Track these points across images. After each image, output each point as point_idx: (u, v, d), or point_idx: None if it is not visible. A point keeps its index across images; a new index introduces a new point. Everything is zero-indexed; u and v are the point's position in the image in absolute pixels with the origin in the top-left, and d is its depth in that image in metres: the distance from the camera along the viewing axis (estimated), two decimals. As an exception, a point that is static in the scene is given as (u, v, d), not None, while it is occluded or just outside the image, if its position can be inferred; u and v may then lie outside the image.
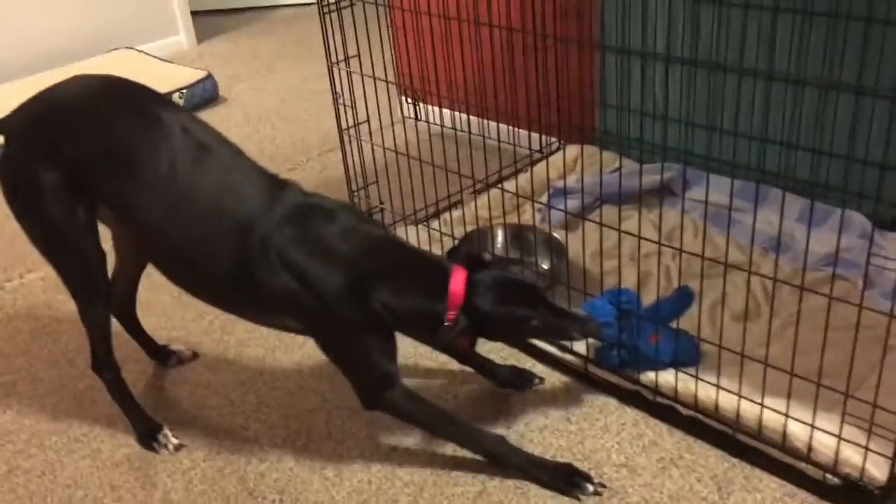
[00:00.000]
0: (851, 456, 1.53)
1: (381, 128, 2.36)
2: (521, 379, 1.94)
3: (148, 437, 1.82)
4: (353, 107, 2.24)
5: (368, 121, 2.31)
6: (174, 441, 1.80)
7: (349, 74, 2.20)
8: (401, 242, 1.72)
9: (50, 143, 1.63)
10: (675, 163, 2.65)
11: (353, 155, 2.33)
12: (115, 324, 1.83)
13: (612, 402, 1.87)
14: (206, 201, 1.61)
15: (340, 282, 1.57)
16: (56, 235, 1.67)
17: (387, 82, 2.25)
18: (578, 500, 1.63)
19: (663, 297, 1.88)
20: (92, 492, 1.74)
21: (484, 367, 1.94)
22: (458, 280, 1.61)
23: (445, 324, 1.60)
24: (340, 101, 2.23)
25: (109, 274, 1.83)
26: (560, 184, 2.60)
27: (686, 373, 1.75)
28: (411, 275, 1.63)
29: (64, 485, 1.76)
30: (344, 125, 2.28)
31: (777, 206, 2.28)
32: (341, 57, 2.18)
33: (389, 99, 2.41)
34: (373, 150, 2.32)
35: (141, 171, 1.61)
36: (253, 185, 1.64)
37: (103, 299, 1.76)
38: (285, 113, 3.66)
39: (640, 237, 1.76)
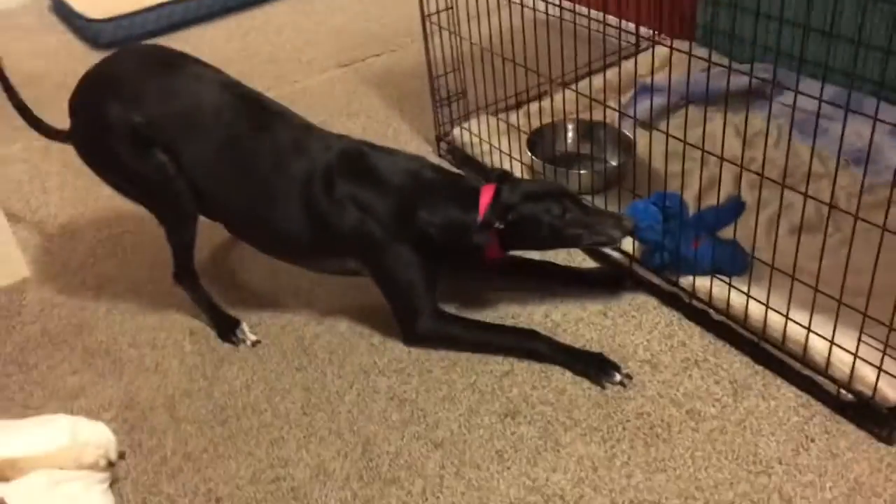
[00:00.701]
0: (867, 374, 1.53)
1: (477, 14, 2.38)
2: (612, 278, 1.98)
3: (227, 333, 1.97)
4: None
5: (455, 8, 2.34)
6: (252, 337, 1.95)
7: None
8: (440, 169, 1.90)
9: (105, 109, 1.79)
10: (771, 63, 2.54)
11: (433, 42, 2.38)
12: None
13: (652, 302, 1.92)
14: (269, 158, 1.79)
15: (392, 206, 1.77)
16: (138, 178, 1.84)
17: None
18: (603, 386, 1.72)
19: (713, 205, 1.87)
20: (173, 334, 2.00)
21: (570, 273, 2.01)
22: (487, 193, 1.78)
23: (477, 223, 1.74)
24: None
25: None
26: (647, 81, 2.56)
27: (721, 279, 1.77)
28: (447, 194, 1.81)
29: (150, 327, 2.03)
30: (427, 11, 2.32)
31: (869, 117, 2.18)
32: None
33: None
34: (458, 39, 2.36)
35: (202, 134, 1.80)
36: (310, 138, 1.83)
37: (192, 222, 1.90)
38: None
39: (684, 142, 1.75)
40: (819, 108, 1.50)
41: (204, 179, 1.81)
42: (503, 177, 1.85)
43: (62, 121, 3.03)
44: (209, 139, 1.79)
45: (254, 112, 1.84)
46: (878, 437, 1.55)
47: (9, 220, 2.22)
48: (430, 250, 1.80)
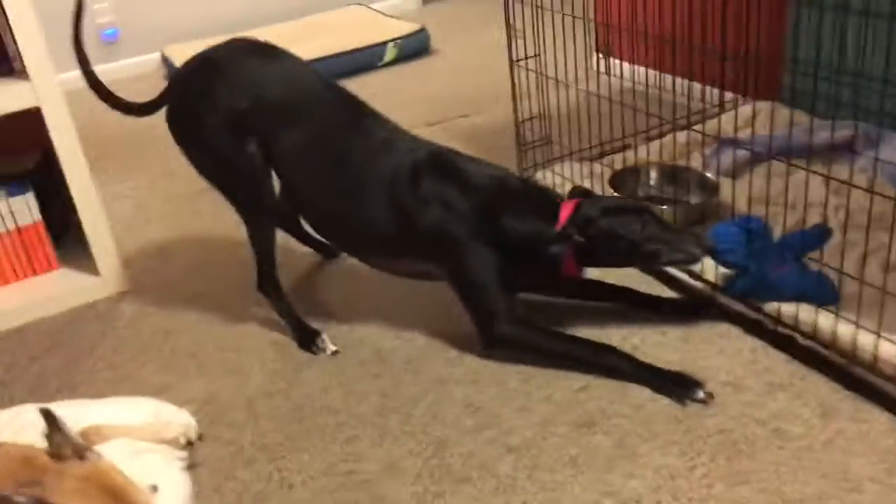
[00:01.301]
0: (966, 393, 1.46)
1: (566, 81, 2.49)
2: (695, 307, 1.95)
3: (308, 342, 2.01)
4: (524, 39, 2.38)
5: (542, 55, 2.44)
6: (332, 347, 1.98)
7: (521, 5, 2.34)
8: (524, 179, 1.96)
9: (209, 90, 1.88)
10: (855, 120, 2.54)
11: (519, 88, 2.47)
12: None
13: (735, 330, 1.88)
14: (360, 154, 1.87)
15: (474, 205, 1.81)
16: (224, 167, 1.91)
17: (572, 16, 2.37)
18: (683, 404, 1.68)
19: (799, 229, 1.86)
20: (256, 342, 2.06)
21: (652, 300, 1.99)
22: (568, 207, 1.81)
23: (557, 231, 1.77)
24: (514, 32, 2.38)
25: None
26: (731, 135, 2.58)
27: (807, 302, 1.73)
28: (531, 203, 1.85)
29: (235, 336, 2.09)
30: (515, 56, 2.43)
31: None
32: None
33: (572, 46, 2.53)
34: (545, 84, 2.45)
35: (298, 124, 1.87)
36: (400, 139, 1.91)
37: (271, 220, 1.98)
38: (486, 67, 3.87)
39: (789, 163, 1.75)
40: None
41: (294, 169, 1.89)
42: (585, 193, 1.88)
43: (168, 167, 3.22)
44: (305, 130, 1.87)
45: (349, 109, 1.92)
46: (980, 462, 1.46)
47: (115, 243, 2.35)
48: (508, 255, 1.82)
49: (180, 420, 1.64)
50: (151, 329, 2.17)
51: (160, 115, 2.02)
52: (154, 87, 2.04)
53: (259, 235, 1.98)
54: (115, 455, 1.50)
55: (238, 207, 1.98)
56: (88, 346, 2.12)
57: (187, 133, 1.95)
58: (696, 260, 1.80)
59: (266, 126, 1.87)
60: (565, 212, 1.80)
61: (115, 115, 2.17)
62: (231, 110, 1.86)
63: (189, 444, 1.64)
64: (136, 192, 2.98)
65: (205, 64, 1.94)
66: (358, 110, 1.93)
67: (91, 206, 2.26)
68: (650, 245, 1.77)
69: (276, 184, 1.98)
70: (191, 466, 1.65)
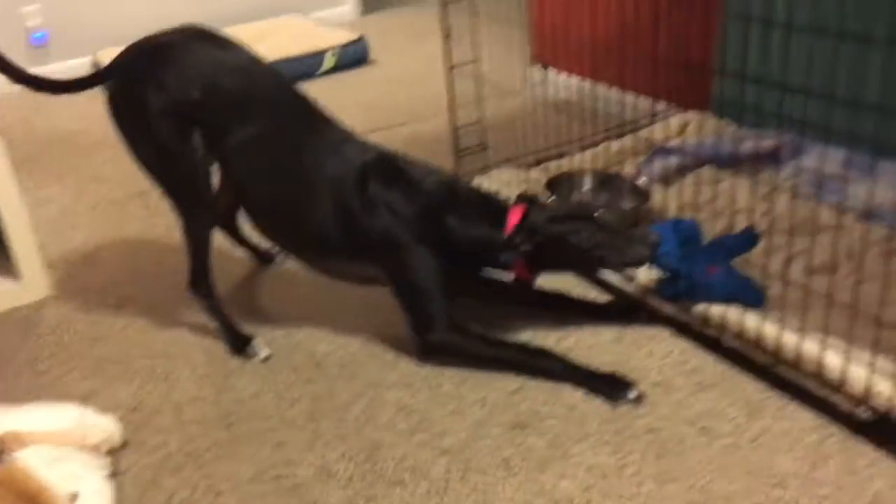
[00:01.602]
0: (883, 389, 1.51)
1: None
2: (627, 313, 1.96)
3: (240, 347, 1.96)
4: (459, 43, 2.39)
5: (480, 62, 2.46)
6: (264, 352, 1.94)
7: (458, 11, 2.35)
8: (470, 185, 1.96)
9: (158, 74, 1.80)
10: (783, 131, 2.61)
11: (456, 93, 2.48)
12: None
13: (666, 333, 1.91)
14: (309, 154, 1.84)
15: (420, 209, 1.81)
16: (164, 156, 1.85)
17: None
18: (616, 404, 1.70)
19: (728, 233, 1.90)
20: (186, 349, 2.01)
21: (586, 306, 2.00)
22: (516, 213, 1.81)
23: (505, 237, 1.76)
24: (451, 38, 2.39)
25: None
26: (664, 144, 2.64)
27: (735, 304, 1.77)
28: (477, 209, 1.85)
29: (163, 341, 2.04)
30: (452, 62, 2.43)
31: (882, 178, 2.23)
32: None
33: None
34: (481, 91, 2.46)
35: (250, 119, 1.83)
36: (349, 142, 1.89)
37: (208, 215, 1.93)
38: (425, 76, 3.88)
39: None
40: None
41: (243, 165, 1.86)
42: (531, 199, 1.87)
43: (99, 172, 3.15)
44: (256, 125, 1.83)
45: (302, 108, 1.89)
46: (897, 456, 1.51)
47: (38, 248, 2.28)
48: (452, 261, 1.82)
49: (103, 426, 1.59)
50: (76, 335, 2.10)
51: (93, 120, 1.95)
52: (85, 91, 1.98)
53: (194, 231, 1.92)
54: (35, 461, 1.45)
55: (174, 201, 1.91)
56: (9, 352, 2.05)
57: (129, 117, 1.86)
58: (644, 261, 1.80)
59: (217, 118, 1.83)
60: (513, 218, 1.80)
61: (47, 119, 2.12)
62: (181, 98, 1.80)
63: (113, 452, 1.59)
64: (63, 197, 2.90)
65: (154, 47, 1.86)
66: (309, 109, 1.91)
67: (13, 210, 2.19)
68: (599, 251, 1.78)
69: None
70: (114, 474, 1.60)
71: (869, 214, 2.25)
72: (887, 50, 2.24)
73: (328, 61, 4.02)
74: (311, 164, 1.84)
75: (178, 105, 1.80)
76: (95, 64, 4.05)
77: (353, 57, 4.09)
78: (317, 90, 3.84)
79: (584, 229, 1.76)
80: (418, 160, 1.93)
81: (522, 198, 1.90)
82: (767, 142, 2.46)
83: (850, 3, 2.26)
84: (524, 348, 1.83)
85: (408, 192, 1.82)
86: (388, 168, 1.85)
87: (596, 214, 1.79)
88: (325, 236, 1.85)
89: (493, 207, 1.85)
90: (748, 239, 1.86)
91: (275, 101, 1.87)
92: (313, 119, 1.90)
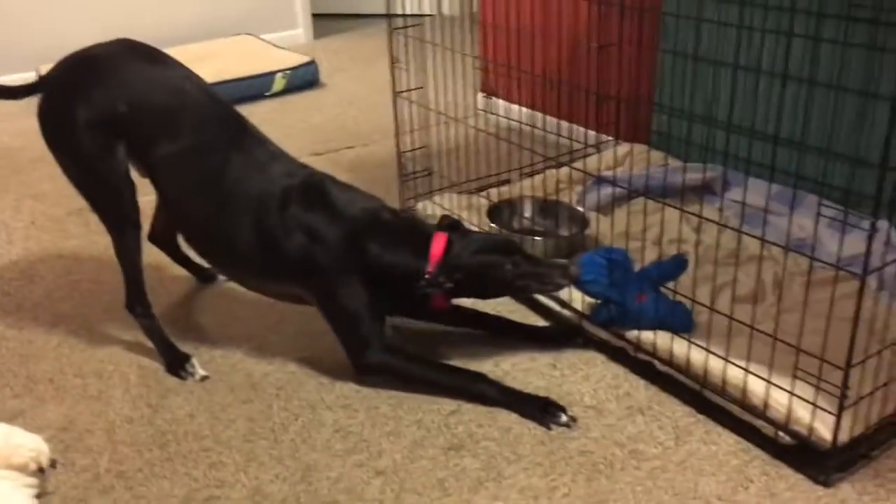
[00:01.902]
0: (803, 416, 1.57)
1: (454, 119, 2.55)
2: (564, 337, 2.00)
3: (176, 367, 1.95)
4: (407, 70, 2.43)
5: (426, 88, 2.50)
6: (200, 372, 1.93)
7: (406, 38, 2.40)
8: (395, 211, 1.96)
9: (86, 87, 1.82)
10: (719, 164, 2.70)
11: (402, 118, 2.52)
12: (146, 263, 1.99)
13: (600, 358, 1.95)
14: (235, 173, 1.84)
15: (342, 235, 1.81)
16: (92, 169, 1.85)
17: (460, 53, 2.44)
18: (549, 428, 1.73)
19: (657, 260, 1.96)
20: (120, 367, 1.98)
21: (523, 329, 2.04)
22: (438, 241, 1.84)
23: (425, 276, 1.79)
24: (398, 65, 2.43)
25: (152, 207, 2.07)
26: (603, 174, 2.70)
27: (664, 330, 1.82)
28: (400, 235, 1.86)
29: (98, 360, 2.01)
30: (398, 87, 2.47)
31: (809, 211, 2.32)
32: (402, 24, 2.39)
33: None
34: (426, 117, 2.50)
35: (177, 135, 1.83)
36: (277, 162, 1.89)
37: (134, 231, 1.91)
38: (373, 100, 3.91)
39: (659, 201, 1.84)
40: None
41: (169, 180, 1.85)
42: (454, 226, 1.90)
43: (38, 189, 3.10)
44: (182, 141, 1.83)
45: (231, 125, 1.89)
46: (816, 480, 1.56)
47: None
48: (376, 286, 1.83)
49: (30, 445, 1.55)
50: (7, 354, 2.05)
51: (32, 136, 1.93)
52: (25, 106, 1.96)
53: (123, 247, 1.91)
54: (-44, 482, 1.41)
55: (102, 216, 1.92)
56: (-64, 370, 2.00)
57: (56, 130, 1.86)
58: (560, 289, 1.89)
59: (142, 133, 1.82)
60: (436, 247, 1.82)
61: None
62: (106, 112, 1.80)
63: (41, 471, 1.55)
64: (-1, 213, 2.85)
65: (85, 60, 1.87)
66: (240, 127, 1.91)
67: (-54, 223, 2.14)
68: (520, 282, 1.83)
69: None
70: (41, 494, 1.57)
71: (792, 246, 2.34)
72: (803, 88, 2.34)
73: (278, 83, 4.03)
74: (237, 181, 1.83)
75: (104, 119, 1.80)
76: (39, 77, 3.99)
77: (304, 79, 4.10)
78: (266, 111, 3.87)
79: (505, 262, 1.80)
80: (347, 184, 1.94)
81: (445, 224, 1.91)
82: (699, 174, 2.54)
83: (769, 42, 2.36)
84: (459, 371, 1.85)
85: (328, 217, 1.81)
86: (311, 191, 1.85)
87: (534, 239, 1.83)
88: (248, 256, 1.85)
89: (416, 234, 1.86)
90: (677, 265, 1.91)
91: (204, 118, 1.86)
92: (243, 137, 1.89)
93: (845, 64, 2.24)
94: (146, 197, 1.97)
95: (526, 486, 1.58)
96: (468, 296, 1.92)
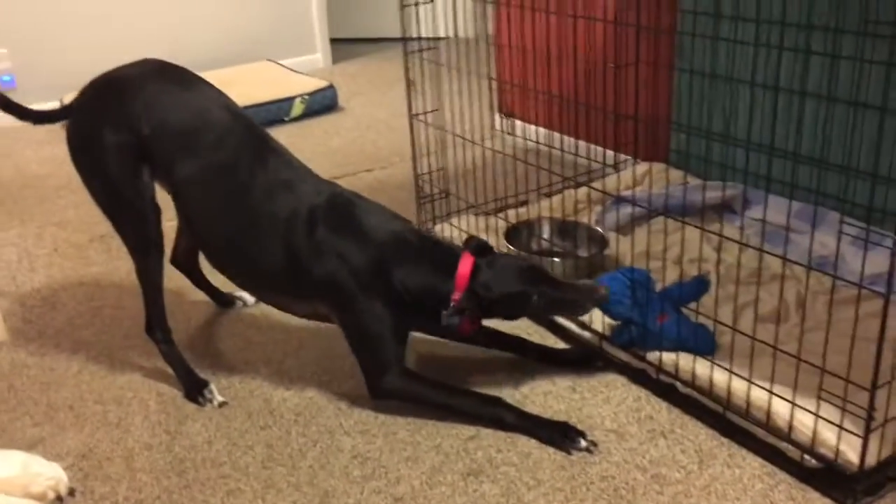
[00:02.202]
0: (829, 438, 1.53)
1: (471, 140, 2.55)
2: (584, 359, 1.99)
3: (194, 393, 1.95)
4: (423, 92, 2.44)
5: (441, 110, 2.50)
6: (219, 398, 1.93)
7: (422, 61, 2.40)
8: (421, 232, 1.94)
9: (111, 110, 1.84)
10: (739, 182, 2.68)
11: (419, 141, 2.52)
12: (166, 287, 2.00)
13: (621, 380, 1.93)
14: (260, 191, 1.83)
15: (369, 260, 1.80)
16: (117, 191, 1.87)
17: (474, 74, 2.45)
18: (569, 453, 1.70)
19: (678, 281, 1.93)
20: (140, 394, 1.99)
21: (543, 351, 2.02)
22: (465, 265, 1.81)
23: (451, 304, 1.77)
24: (414, 87, 2.44)
25: (174, 231, 2.08)
26: (623, 194, 2.68)
27: (686, 351, 1.79)
28: (426, 259, 1.83)
29: (118, 387, 2.02)
30: (414, 110, 2.48)
31: (831, 229, 2.29)
32: (417, 47, 2.39)
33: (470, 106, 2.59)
34: (443, 139, 2.51)
35: (201, 155, 1.84)
36: (303, 181, 1.88)
37: (157, 254, 1.92)
38: (392, 123, 3.93)
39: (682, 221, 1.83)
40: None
41: (192, 200, 1.86)
42: (482, 249, 1.87)
43: (62, 216, 3.13)
44: (206, 161, 1.83)
45: (256, 144, 1.87)
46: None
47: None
48: (400, 309, 1.82)
49: (49, 474, 1.56)
50: (28, 381, 2.07)
51: (58, 164, 1.95)
52: (53, 134, 1.99)
53: (146, 270, 1.92)
54: (-25, 511, 1.42)
55: (125, 240, 1.93)
56: (-42, 398, 2.01)
57: (82, 153, 1.89)
58: (588, 311, 1.87)
59: (166, 155, 1.83)
60: (462, 269, 1.80)
61: (12, 163, 2.11)
62: (131, 135, 1.81)
63: (59, 500, 1.56)
64: (22, 240, 2.87)
65: (110, 83, 1.89)
66: (265, 146, 1.89)
67: (-31, 253, 2.17)
68: (546, 309, 1.83)
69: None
70: (60, 523, 1.57)
71: (815, 264, 2.31)
72: (822, 105, 2.31)
73: (297, 107, 4.06)
74: (262, 201, 1.83)
75: (128, 141, 1.82)
76: (62, 106, 4.05)
77: (322, 104, 4.13)
78: (285, 136, 3.88)
79: (532, 294, 1.78)
80: (374, 203, 1.92)
81: (472, 244, 1.89)
82: (718, 192, 2.51)
83: (787, 60, 2.34)
84: (477, 396, 1.83)
85: (356, 240, 1.80)
86: (338, 212, 1.84)
87: (552, 260, 1.82)
88: (274, 275, 1.85)
89: (442, 257, 1.83)
90: (697, 285, 1.89)
91: (228, 137, 1.85)
92: (268, 155, 1.87)
93: (864, 80, 2.21)
94: (169, 223, 1.99)
95: (546, 513, 1.56)
96: (492, 318, 1.90)
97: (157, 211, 1.90)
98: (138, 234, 1.91)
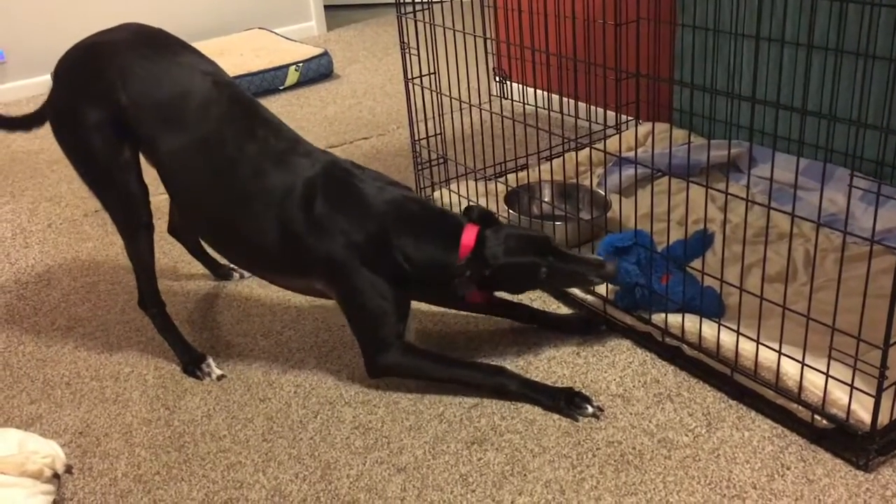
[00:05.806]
0: (840, 397, 1.50)
1: (470, 105, 2.49)
2: (587, 325, 1.95)
3: (192, 367, 1.91)
4: (418, 55, 2.37)
5: (437, 73, 2.44)
6: (217, 371, 1.90)
7: (416, 23, 2.33)
8: (423, 201, 1.86)
9: (87, 82, 1.76)
10: (744, 140, 2.62)
11: (415, 106, 2.46)
12: (162, 261, 1.98)
13: (626, 343, 1.89)
14: (250, 165, 1.74)
15: (370, 234, 1.72)
16: (100, 169, 1.80)
17: (473, 35, 2.38)
18: (575, 419, 1.67)
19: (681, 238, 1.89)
20: (137, 369, 1.96)
21: (546, 318, 1.98)
22: (469, 234, 1.74)
23: (458, 277, 1.70)
24: (407, 50, 2.37)
25: (168, 202, 2.03)
26: (625, 155, 2.63)
27: (693, 313, 1.75)
28: (429, 229, 1.76)
29: (115, 362, 1.99)
30: (410, 74, 2.41)
31: (840, 185, 2.24)
32: (412, 9, 2.33)
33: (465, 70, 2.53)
34: (440, 103, 2.45)
35: (185, 127, 1.74)
36: (295, 151, 1.78)
37: (146, 233, 1.86)
38: (389, 90, 3.86)
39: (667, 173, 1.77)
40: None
41: (179, 175, 1.79)
42: (486, 218, 1.81)
43: (54, 191, 3.08)
44: (191, 134, 1.75)
45: (243, 114, 1.79)
46: (856, 465, 1.49)
47: (-15, 265, 2.23)
48: (402, 282, 1.76)
49: (46, 451, 1.53)
50: (23, 359, 2.04)
51: (49, 140, 1.88)
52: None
53: (135, 249, 1.88)
54: (-30, 490, 1.39)
55: (111, 215, 1.87)
56: (-47, 377, 1.99)
57: (62, 129, 1.82)
58: (594, 286, 1.85)
59: (146, 127, 1.75)
60: (466, 240, 1.73)
61: (2, 140, 2.06)
62: (109, 107, 1.73)
63: (56, 477, 1.53)
64: (16, 216, 2.83)
65: (85, 50, 1.80)
66: (254, 117, 1.80)
67: (-41, 229, 2.13)
68: (553, 280, 1.78)
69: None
70: (58, 500, 1.55)
71: (824, 221, 2.26)
72: (830, 57, 2.25)
73: (291, 76, 3.99)
74: (253, 175, 1.74)
75: (107, 117, 1.74)
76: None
77: (317, 71, 4.06)
78: (280, 105, 3.84)
79: (541, 265, 1.73)
80: (371, 171, 1.85)
81: (475, 213, 1.82)
82: (723, 151, 2.46)
83: (792, 11, 2.27)
84: (479, 367, 1.79)
85: (355, 213, 1.72)
86: (334, 185, 1.75)
87: (554, 224, 1.77)
88: (269, 251, 1.77)
89: (445, 227, 1.77)
90: (700, 241, 1.83)
91: (213, 106, 1.76)
92: (257, 125, 1.78)
93: (872, 31, 2.15)
94: (163, 195, 1.94)
95: (552, 480, 1.52)
96: (500, 290, 1.86)
97: (142, 188, 1.83)
98: (125, 213, 1.85)
